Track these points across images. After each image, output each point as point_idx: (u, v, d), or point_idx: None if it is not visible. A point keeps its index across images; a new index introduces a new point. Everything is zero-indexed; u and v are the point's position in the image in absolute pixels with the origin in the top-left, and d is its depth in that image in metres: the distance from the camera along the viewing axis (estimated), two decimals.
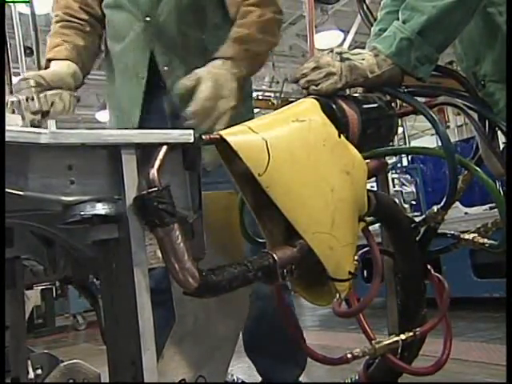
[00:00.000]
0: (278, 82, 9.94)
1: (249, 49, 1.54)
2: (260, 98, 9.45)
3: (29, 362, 1.46)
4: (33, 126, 1.43)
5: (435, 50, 1.22)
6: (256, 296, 1.65)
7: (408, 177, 7.29)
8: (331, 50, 1.21)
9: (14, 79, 5.77)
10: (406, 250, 1.28)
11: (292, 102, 1.20)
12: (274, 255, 0.96)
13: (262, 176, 0.95)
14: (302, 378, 1.86)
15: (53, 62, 1.67)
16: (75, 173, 0.83)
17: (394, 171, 7.03)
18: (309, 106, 1.11)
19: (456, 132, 10.20)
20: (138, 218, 0.84)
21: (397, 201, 3.92)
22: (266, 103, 9.40)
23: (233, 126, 1.04)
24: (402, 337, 1.23)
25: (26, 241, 1.16)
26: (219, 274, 0.89)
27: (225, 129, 1.02)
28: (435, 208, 1.26)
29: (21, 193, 0.79)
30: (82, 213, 0.82)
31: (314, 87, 1.16)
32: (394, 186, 6.77)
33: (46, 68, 1.68)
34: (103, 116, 10.59)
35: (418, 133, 12.96)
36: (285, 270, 0.97)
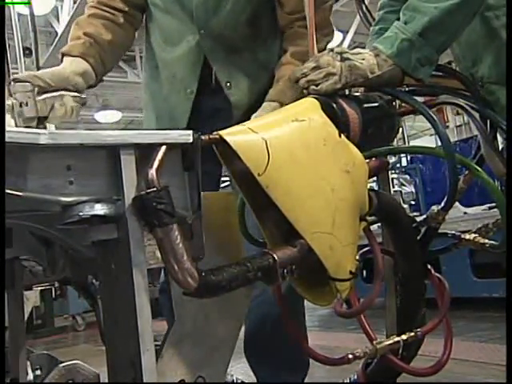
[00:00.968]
0: None
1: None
2: None
3: (28, 363, 1.46)
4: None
5: (436, 51, 1.22)
6: (262, 300, 1.64)
7: (407, 177, 7.30)
8: (331, 50, 1.20)
9: None
10: (407, 249, 1.28)
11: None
12: (274, 255, 0.96)
13: (261, 176, 0.95)
14: None
15: (64, 58, 1.58)
16: (74, 173, 0.83)
17: (393, 171, 7.03)
18: (309, 106, 1.11)
19: (455, 132, 10.21)
20: (137, 219, 0.83)
21: None
22: None
23: None
24: (403, 337, 1.23)
25: (25, 241, 1.16)
26: (219, 274, 0.89)
27: None
28: (436, 208, 1.26)
29: (20, 193, 0.78)
30: (81, 213, 0.82)
31: (313, 87, 1.16)
32: (393, 186, 6.78)
33: (61, 61, 1.58)
34: (102, 116, 10.59)
35: (417, 133, 12.97)
36: (285, 270, 0.96)
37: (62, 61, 1.58)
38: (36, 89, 1.39)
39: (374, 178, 1.34)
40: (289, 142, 1.01)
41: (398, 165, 7.83)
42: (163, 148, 0.87)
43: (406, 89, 1.27)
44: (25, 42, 6.33)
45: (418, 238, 1.29)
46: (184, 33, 1.66)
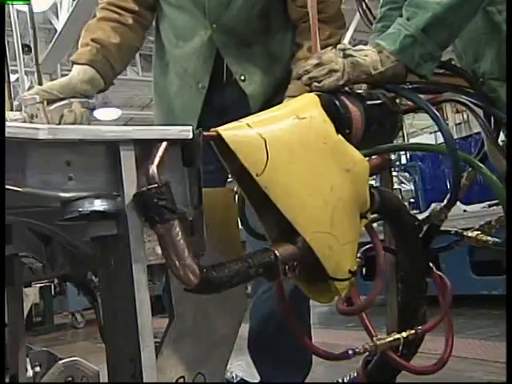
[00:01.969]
0: None
1: None
2: None
3: (27, 360, 1.46)
4: None
5: (439, 47, 1.22)
6: (268, 296, 1.64)
7: (406, 175, 7.29)
8: (334, 46, 1.20)
9: (12, 77, 5.76)
10: (410, 247, 1.27)
11: None
12: (276, 251, 0.96)
13: (260, 176, 0.95)
14: None
15: (74, 67, 1.62)
16: (73, 169, 0.82)
17: (392, 169, 7.02)
18: (308, 102, 1.10)
19: (455, 130, 10.21)
20: (137, 215, 0.83)
21: None
22: None
23: None
24: (404, 334, 1.23)
25: (24, 238, 1.16)
26: (220, 270, 0.88)
27: None
28: (438, 206, 1.26)
29: (19, 189, 0.78)
30: (81, 209, 0.81)
31: (316, 84, 1.16)
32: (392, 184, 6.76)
33: (71, 68, 1.63)
34: (102, 114, 10.58)
35: (417, 131, 12.97)
36: (286, 267, 0.96)
37: (72, 68, 1.62)
38: (45, 101, 1.43)
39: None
40: (288, 141, 1.01)
41: (398, 163, 7.83)
42: (164, 144, 0.86)
43: (409, 86, 1.26)
44: (24, 39, 6.33)
45: (421, 235, 1.29)
46: (196, 28, 1.67)
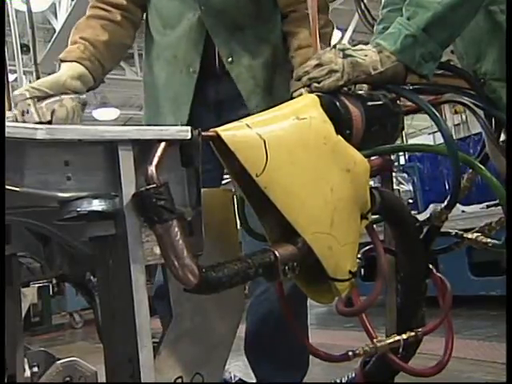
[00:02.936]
0: None
1: None
2: None
3: (25, 360, 1.46)
4: None
5: (440, 46, 1.21)
6: (265, 298, 1.64)
7: (405, 175, 7.29)
8: (334, 47, 1.19)
9: (11, 77, 5.76)
10: (411, 248, 1.27)
11: None
12: (276, 252, 0.95)
13: (259, 177, 0.94)
14: None
15: (62, 64, 1.62)
16: (72, 169, 0.82)
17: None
18: (308, 103, 1.10)
19: (453, 131, 10.21)
20: (135, 215, 0.83)
21: None
22: None
23: None
24: (404, 336, 1.22)
25: (22, 238, 1.16)
26: (219, 270, 0.88)
27: None
28: (438, 207, 1.25)
29: (17, 189, 0.78)
30: (79, 209, 0.81)
31: (316, 84, 1.15)
32: None
33: (59, 67, 1.63)
34: (100, 114, 10.58)
35: (416, 131, 12.98)
36: (286, 267, 0.96)
37: (59, 67, 1.62)
38: (35, 98, 1.43)
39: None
40: (288, 141, 1.00)
41: (396, 163, 7.83)
42: (163, 144, 0.86)
43: (410, 87, 1.26)
44: (22, 39, 6.32)
45: (421, 237, 1.28)
46: (184, 11, 1.68)
